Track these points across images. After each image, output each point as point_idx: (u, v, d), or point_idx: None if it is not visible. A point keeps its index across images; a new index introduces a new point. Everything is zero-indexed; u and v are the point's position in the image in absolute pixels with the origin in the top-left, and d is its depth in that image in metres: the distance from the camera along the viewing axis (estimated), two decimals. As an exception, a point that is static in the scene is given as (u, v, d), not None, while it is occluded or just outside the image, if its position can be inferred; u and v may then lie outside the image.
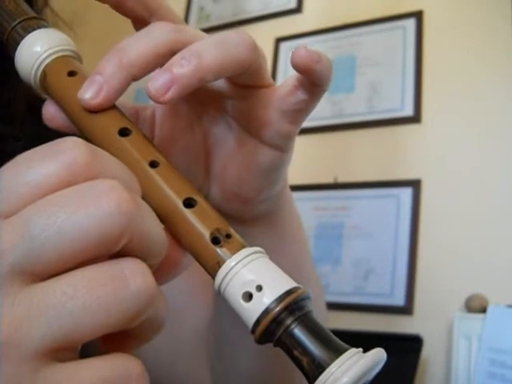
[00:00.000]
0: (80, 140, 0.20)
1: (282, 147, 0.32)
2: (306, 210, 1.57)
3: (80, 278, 0.18)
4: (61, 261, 0.18)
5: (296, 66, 0.27)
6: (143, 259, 0.20)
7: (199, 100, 0.32)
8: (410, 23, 1.62)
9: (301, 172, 1.56)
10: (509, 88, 1.43)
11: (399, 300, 1.40)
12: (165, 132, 0.30)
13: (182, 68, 0.25)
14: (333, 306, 1.43)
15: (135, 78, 0.26)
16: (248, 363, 0.42)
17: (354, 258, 1.49)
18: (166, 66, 0.25)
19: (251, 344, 0.41)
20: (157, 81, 0.25)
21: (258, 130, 0.31)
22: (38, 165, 0.19)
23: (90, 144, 0.20)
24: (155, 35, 0.26)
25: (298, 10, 1.84)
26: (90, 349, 0.19)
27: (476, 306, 1.24)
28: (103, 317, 0.18)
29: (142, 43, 0.26)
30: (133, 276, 0.19)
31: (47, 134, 0.27)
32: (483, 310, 1.20)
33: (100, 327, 0.18)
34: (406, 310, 1.38)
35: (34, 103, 0.34)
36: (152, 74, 0.26)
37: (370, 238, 1.49)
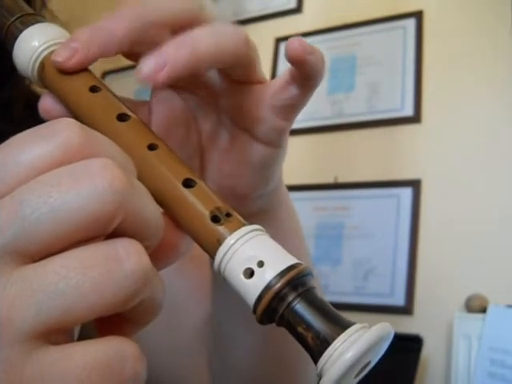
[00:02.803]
0: (73, 121, 0.20)
1: (276, 143, 0.32)
2: (306, 210, 1.57)
3: (73, 259, 0.18)
4: (53, 241, 0.18)
5: (289, 57, 0.27)
6: (139, 240, 0.19)
7: (194, 98, 0.32)
8: (410, 23, 1.62)
9: (301, 172, 1.56)
10: (509, 88, 1.42)
11: (399, 300, 1.40)
12: (161, 129, 0.31)
13: (176, 51, 0.25)
14: (333, 306, 1.42)
15: (116, 49, 0.26)
16: (242, 357, 0.42)
17: (354, 258, 1.49)
18: (159, 48, 0.25)
19: (246, 338, 0.41)
20: (149, 60, 0.24)
21: (250, 125, 0.31)
22: (32, 145, 0.19)
23: (83, 125, 0.20)
24: (140, 9, 0.27)
25: (297, 10, 1.84)
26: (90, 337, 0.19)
27: (476, 306, 1.24)
28: (96, 298, 0.18)
29: (127, 15, 0.27)
30: (127, 256, 0.18)
31: None
32: (483, 310, 1.20)
33: (93, 308, 0.18)
34: (406, 310, 1.38)
35: (32, 101, 0.34)
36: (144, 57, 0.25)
37: (370, 238, 1.49)
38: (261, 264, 0.22)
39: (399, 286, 1.41)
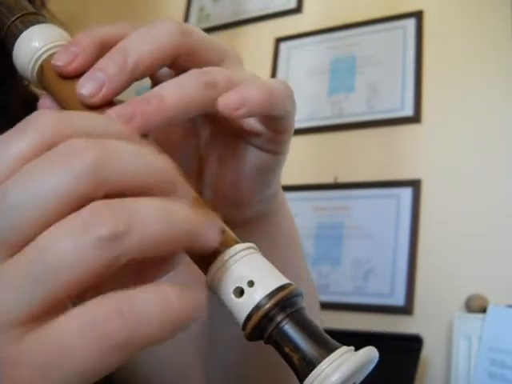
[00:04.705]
0: (46, 110, 0.21)
1: (275, 151, 0.32)
2: (306, 210, 1.57)
3: (45, 240, 0.18)
4: (37, 228, 0.19)
5: (224, 115, 0.26)
6: (146, 194, 0.20)
7: None
8: (410, 23, 1.62)
9: (301, 172, 1.56)
10: (509, 88, 1.43)
11: (399, 300, 1.40)
12: (159, 133, 0.30)
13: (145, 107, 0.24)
14: (333, 306, 1.43)
15: (136, 80, 0.26)
16: (229, 358, 0.42)
17: (354, 258, 1.49)
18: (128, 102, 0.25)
19: (237, 341, 0.41)
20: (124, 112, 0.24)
21: (247, 136, 0.31)
22: (12, 141, 0.20)
23: (57, 110, 0.21)
24: (161, 38, 0.26)
25: (298, 10, 1.84)
26: None
27: (476, 306, 1.24)
28: (70, 275, 0.18)
29: (147, 45, 0.26)
30: (95, 224, 0.18)
31: None
32: (483, 310, 1.20)
33: (70, 285, 0.18)
34: (406, 310, 1.38)
35: (30, 102, 0.34)
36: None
37: (370, 238, 1.49)
38: (251, 284, 0.22)
39: (399, 286, 1.41)
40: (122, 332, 0.18)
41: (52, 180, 0.19)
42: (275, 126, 0.30)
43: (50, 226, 0.19)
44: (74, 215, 0.19)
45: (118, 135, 0.21)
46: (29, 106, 0.38)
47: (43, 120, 0.20)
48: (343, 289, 1.47)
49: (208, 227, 0.21)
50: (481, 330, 1.17)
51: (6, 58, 0.30)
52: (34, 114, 0.21)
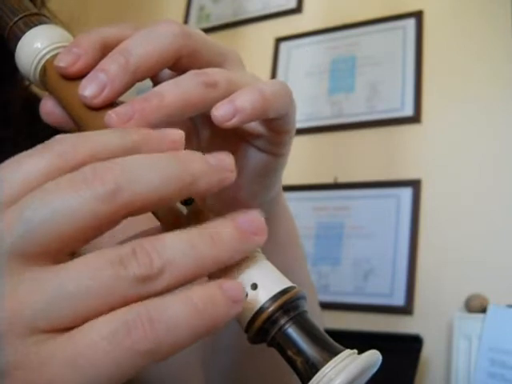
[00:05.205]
0: (66, 135, 0.21)
1: (276, 152, 0.32)
2: (306, 210, 1.57)
3: (80, 261, 0.19)
4: (57, 241, 0.19)
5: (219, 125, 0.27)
6: (165, 202, 0.21)
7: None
8: (410, 23, 1.62)
9: (301, 172, 1.56)
10: (509, 88, 1.43)
11: (399, 300, 1.40)
12: None
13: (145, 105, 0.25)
14: (333, 306, 1.43)
15: (139, 80, 0.26)
16: (229, 361, 0.42)
17: (354, 258, 1.49)
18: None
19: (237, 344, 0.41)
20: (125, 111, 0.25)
21: (248, 138, 0.31)
22: (31, 160, 0.21)
23: (76, 134, 0.21)
24: (163, 39, 0.26)
25: (298, 9, 1.84)
26: None
27: (476, 306, 1.24)
28: (106, 297, 0.19)
29: (149, 46, 0.26)
30: (130, 261, 0.19)
31: (43, 134, 0.27)
32: (483, 310, 1.20)
33: (96, 306, 0.19)
34: (406, 310, 1.38)
35: (31, 103, 0.34)
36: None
37: (370, 238, 1.49)
38: (254, 286, 0.22)
39: (399, 286, 1.41)
40: (150, 338, 0.18)
41: (73, 199, 0.19)
42: (275, 127, 0.30)
43: (72, 240, 0.19)
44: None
45: (135, 149, 0.22)
46: (29, 106, 0.38)
47: (63, 142, 0.21)
48: (343, 289, 1.47)
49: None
50: (481, 330, 1.16)
51: (6, 59, 0.30)
52: (55, 137, 0.21)
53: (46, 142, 0.21)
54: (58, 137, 0.21)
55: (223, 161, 0.22)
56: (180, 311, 0.19)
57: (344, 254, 1.51)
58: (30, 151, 0.21)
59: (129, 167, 0.20)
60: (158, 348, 0.18)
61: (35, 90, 0.39)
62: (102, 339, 0.18)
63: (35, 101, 0.29)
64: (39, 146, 0.21)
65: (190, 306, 0.19)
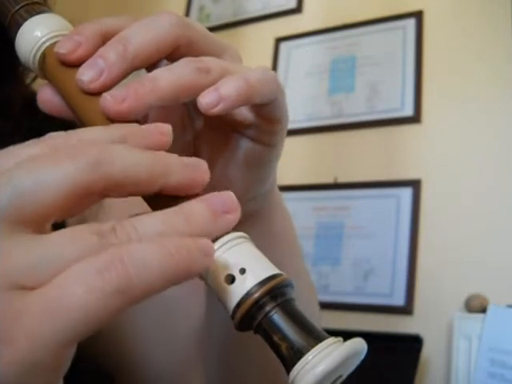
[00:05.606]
0: (59, 132, 0.23)
1: (268, 143, 0.32)
2: (306, 210, 1.57)
3: (62, 232, 0.20)
4: (41, 207, 0.20)
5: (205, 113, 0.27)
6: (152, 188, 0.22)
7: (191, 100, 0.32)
8: (410, 23, 1.62)
9: (301, 172, 1.56)
10: (509, 88, 1.43)
11: (399, 300, 1.40)
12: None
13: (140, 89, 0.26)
14: (333, 306, 1.43)
15: (136, 69, 0.27)
16: (226, 357, 0.42)
17: (354, 258, 1.49)
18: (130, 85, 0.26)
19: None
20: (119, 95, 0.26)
21: (239, 127, 0.31)
22: (25, 149, 0.22)
23: (67, 131, 0.23)
24: (161, 29, 0.27)
25: (297, 9, 1.84)
26: None
27: (476, 306, 1.24)
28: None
29: (147, 34, 0.27)
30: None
31: (42, 127, 0.27)
32: (483, 310, 1.20)
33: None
34: (406, 310, 1.38)
35: (31, 99, 0.35)
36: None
37: (370, 238, 1.49)
38: (243, 271, 0.22)
39: (399, 286, 1.41)
40: (122, 276, 0.19)
41: (57, 170, 0.20)
42: (265, 114, 0.30)
43: (48, 212, 0.20)
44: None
45: (122, 139, 0.22)
46: (29, 105, 0.38)
47: (56, 137, 0.22)
48: (343, 289, 1.47)
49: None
50: (481, 330, 1.16)
51: (8, 58, 0.30)
52: (48, 134, 0.22)
53: (40, 138, 0.22)
54: (50, 133, 0.22)
55: (197, 161, 0.23)
56: (152, 252, 0.19)
57: (344, 254, 1.51)
58: (23, 143, 0.22)
59: (109, 149, 0.21)
60: (129, 288, 0.19)
61: (35, 89, 0.39)
62: (75, 283, 0.18)
63: (35, 99, 0.29)
64: (33, 140, 0.22)
65: (163, 248, 0.19)
